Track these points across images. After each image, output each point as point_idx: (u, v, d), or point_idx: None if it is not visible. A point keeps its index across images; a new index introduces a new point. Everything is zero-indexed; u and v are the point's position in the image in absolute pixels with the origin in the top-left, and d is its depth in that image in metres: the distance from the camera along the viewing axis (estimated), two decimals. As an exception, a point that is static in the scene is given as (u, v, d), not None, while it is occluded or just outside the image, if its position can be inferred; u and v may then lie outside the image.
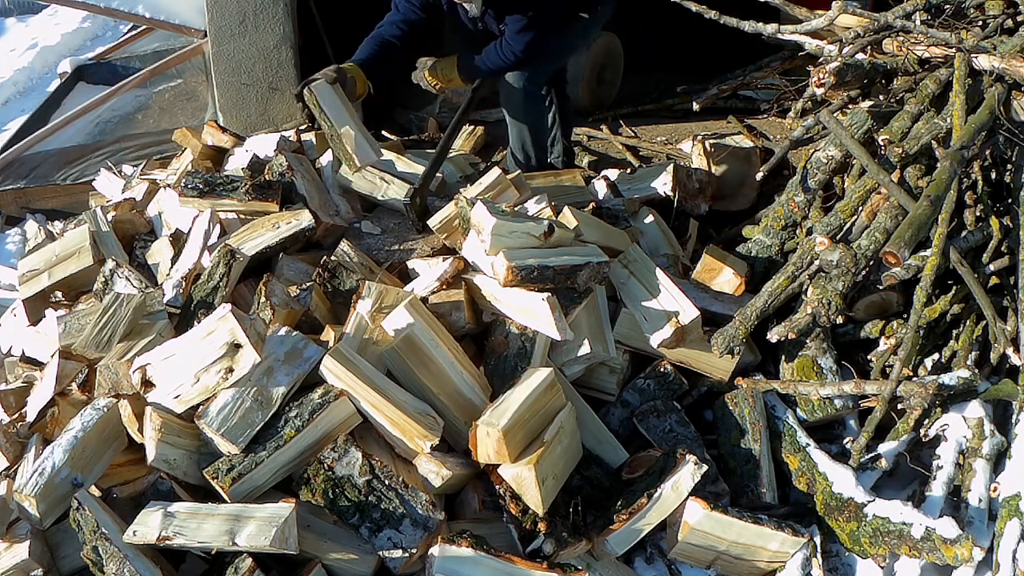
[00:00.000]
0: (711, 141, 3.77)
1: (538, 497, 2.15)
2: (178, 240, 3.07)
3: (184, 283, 2.78)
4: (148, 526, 2.02)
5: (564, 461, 2.31)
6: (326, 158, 3.28)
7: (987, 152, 2.93)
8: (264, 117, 4.12)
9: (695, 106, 4.15)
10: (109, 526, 2.05)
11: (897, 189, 2.61)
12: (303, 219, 2.86)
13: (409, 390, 2.31)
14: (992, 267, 2.76)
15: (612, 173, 3.60)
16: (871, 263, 2.63)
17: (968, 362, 2.64)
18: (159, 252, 3.11)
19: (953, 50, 2.92)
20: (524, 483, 2.17)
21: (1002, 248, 2.78)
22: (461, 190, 3.13)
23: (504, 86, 3.41)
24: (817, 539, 2.31)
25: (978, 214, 2.86)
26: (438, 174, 3.22)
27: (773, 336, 2.62)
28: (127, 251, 3.20)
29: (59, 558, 2.18)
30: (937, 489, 2.37)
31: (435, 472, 2.21)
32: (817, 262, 2.68)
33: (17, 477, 2.23)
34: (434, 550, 2.06)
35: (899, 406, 2.54)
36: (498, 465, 2.22)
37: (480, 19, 3.10)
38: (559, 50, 3.36)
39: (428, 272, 2.65)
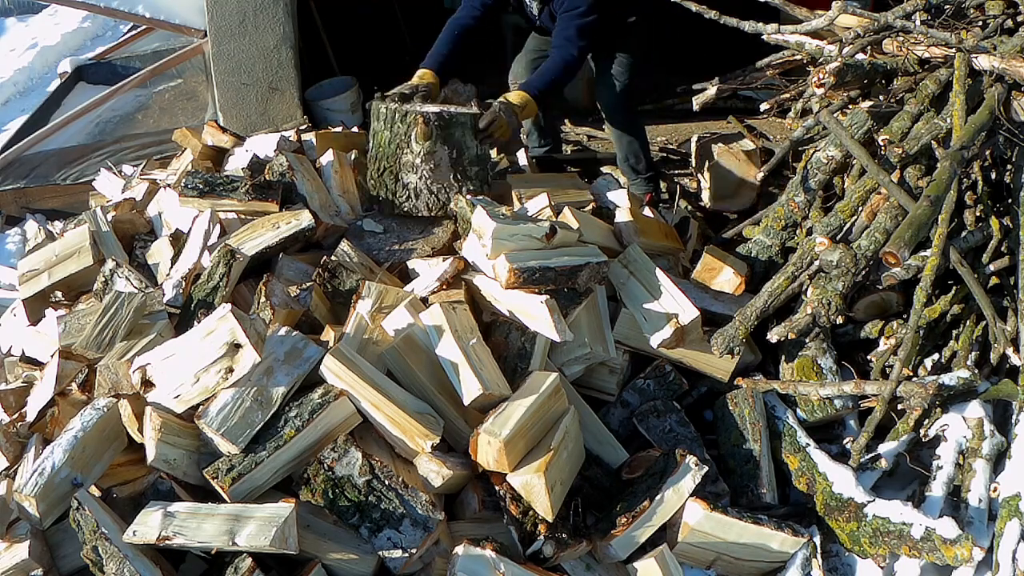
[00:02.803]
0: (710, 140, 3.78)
1: (548, 504, 2.15)
2: (178, 240, 3.06)
3: (184, 283, 2.77)
4: (148, 526, 2.01)
5: (570, 466, 2.32)
6: (326, 158, 3.28)
7: (987, 152, 2.93)
8: (264, 117, 4.12)
9: (695, 106, 4.15)
10: (109, 526, 2.04)
11: (897, 189, 2.60)
12: (303, 219, 2.86)
13: (409, 390, 2.31)
14: (992, 267, 2.76)
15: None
16: (871, 263, 2.63)
17: (968, 362, 2.64)
18: (159, 252, 3.11)
19: (953, 50, 2.92)
20: (534, 491, 2.17)
21: (1002, 248, 2.78)
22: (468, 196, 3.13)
23: (606, 101, 3.57)
24: (817, 539, 2.31)
25: (978, 214, 2.86)
26: None
27: (773, 336, 2.62)
28: (127, 251, 3.19)
29: (59, 558, 2.17)
30: (937, 489, 2.37)
31: (436, 472, 2.21)
32: (817, 262, 2.68)
33: (17, 477, 2.23)
34: (458, 549, 2.07)
35: (899, 406, 2.54)
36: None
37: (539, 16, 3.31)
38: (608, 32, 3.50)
39: (428, 272, 2.65)
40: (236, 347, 2.21)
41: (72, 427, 2.25)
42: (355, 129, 4.00)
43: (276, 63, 4.03)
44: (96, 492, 2.22)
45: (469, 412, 2.33)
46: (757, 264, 3.00)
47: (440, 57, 3.25)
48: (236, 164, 3.51)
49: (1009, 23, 3.14)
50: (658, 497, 2.25)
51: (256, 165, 3.26)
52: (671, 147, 4.16)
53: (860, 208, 2.80)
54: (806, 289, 2.71)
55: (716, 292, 2.85)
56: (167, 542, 1.99)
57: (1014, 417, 2.43)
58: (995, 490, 2.31)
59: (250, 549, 1.99)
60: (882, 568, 2.28)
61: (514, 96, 3.06)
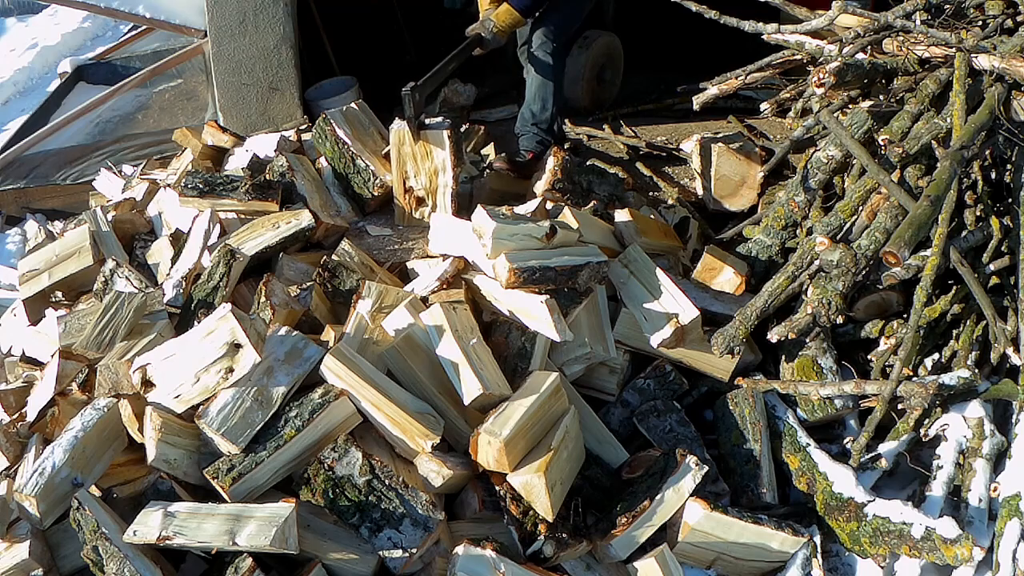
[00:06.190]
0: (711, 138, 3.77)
1: (548, 504, 2.15)
2: (178, 240, 3.07)
3: (184, 283, 2.78)
4: (148, 526, 2.02)
5: (570, 466, 2.32)
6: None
7: (987, 152, 2.93)
8: (264, 117, 4.12)
9: (695, 106, 4.15)
10: (109, 526, 2.05)
11: (897, 189, 2.61)
12: (303, 219, 2.86)
13: (409, 390, 2.31)
14: (992, 267, 2.76)
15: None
16: (871, 263, 2.63)
17: (968, 362, 2.64)
18: (159, 252, 3.12)
19: (953, 50, 2.92)
20: (534, 490, 2.17)
21: (1002, 248, 2.78)
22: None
23: (536, 39, 3.64)
24: (817, 539, 2.31)
25: (978, 214, 2.86)
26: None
27: (773, 336, 2.62)
28: (127, 251, 3.20)
29: (59, 558, 2.18)
30: (937, 489, 2.37)
31: (436, 471, 2.21)
32: (817, 262, 2.68)
33: (17, 477, 2.23)
34: (459, 549, 2.07)
35: (899, 406, 2.54)
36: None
37: None
38: None
39: (428, 272, 2.65)
40: (236, 347, 2.21)
41: (72, 427, 2.25)
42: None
43: (276, 63, 4.03)
44: (96, 492, 2.22)
45: (469, 412, 2.33)
46: (757, 264, 3.00)
47: None
48: (236, 164, 3.51)
49: (1009, 23, 3.14)
50: (658, 497, 2.25)
51: (256, 165, 3.26)
52: (671, 147, 4.14)
53: (860, 208, 2.80)
54: (806, 289, 2.71)
55: (716, 292, 2.85)
56: (167, 542, 1.99)
57: (1014, 417, 2.43)
58: (995, 490, 2.31)
59: (250, 549, 1.99)
60: (882, 568, 2.28)
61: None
